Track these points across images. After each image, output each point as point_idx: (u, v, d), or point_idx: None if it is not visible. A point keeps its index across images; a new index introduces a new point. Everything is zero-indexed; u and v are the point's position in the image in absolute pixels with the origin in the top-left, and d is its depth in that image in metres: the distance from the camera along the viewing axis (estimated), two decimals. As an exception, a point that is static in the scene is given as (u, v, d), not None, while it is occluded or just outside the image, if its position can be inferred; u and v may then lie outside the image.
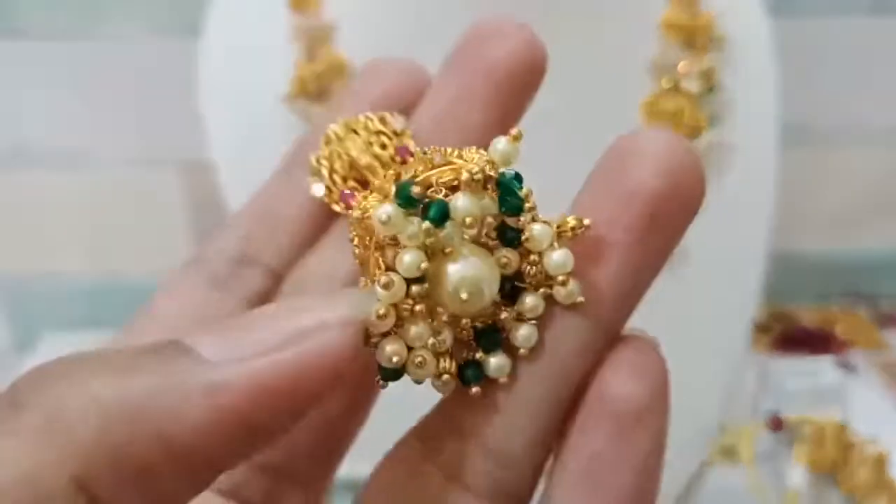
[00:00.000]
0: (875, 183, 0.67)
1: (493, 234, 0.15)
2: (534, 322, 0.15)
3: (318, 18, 0.37)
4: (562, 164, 0.36)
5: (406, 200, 0.14)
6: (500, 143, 0.15)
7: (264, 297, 0.19)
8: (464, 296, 0.14)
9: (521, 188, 0.15)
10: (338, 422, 0.19)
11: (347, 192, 0.18)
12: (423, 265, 0.14)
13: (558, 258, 0.15)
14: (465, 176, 0.14)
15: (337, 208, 0.18)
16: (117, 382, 0.12)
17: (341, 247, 0.18)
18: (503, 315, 0.15)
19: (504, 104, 0.17)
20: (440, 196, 0.15)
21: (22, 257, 0.69)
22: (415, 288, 0.14)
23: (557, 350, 0.15)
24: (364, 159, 0.18)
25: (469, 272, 0.14)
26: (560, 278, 0.15)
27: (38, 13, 0.61)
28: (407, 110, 0.19)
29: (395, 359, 0.14)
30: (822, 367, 0.53)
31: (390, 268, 0.14)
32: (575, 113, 0.36)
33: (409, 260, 0.14)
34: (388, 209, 0.14)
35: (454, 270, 0.14)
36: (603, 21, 0.37)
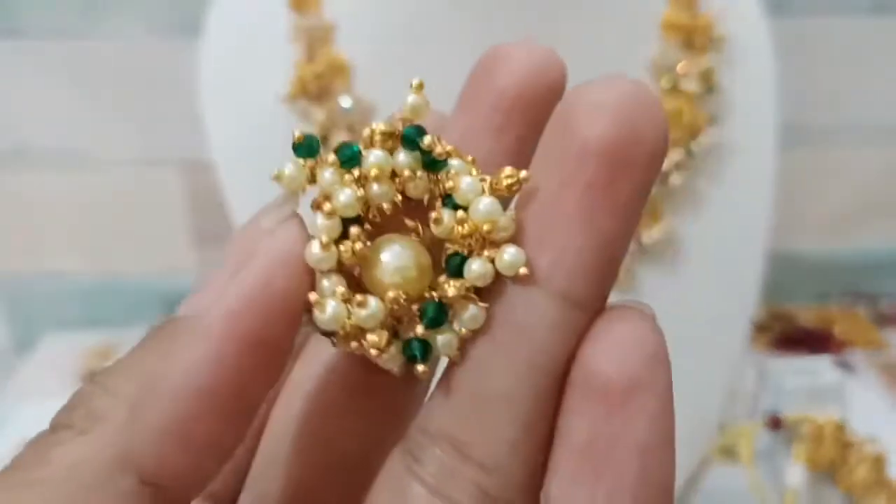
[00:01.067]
0: (874, 183, 0.67)
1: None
2: (481, 304, 0.13)
3: (318, 18, 0.37)
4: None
5: (345, 158, 0.14)
6: (409, 98, 0.14)
7: None
8: (397, 279, 0.14)
9: (423, 139, 0.14)
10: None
11: None
12: (360, 194, 0.14)
13: (485, 207, 0.13)
14: (366, 132, 0.14)
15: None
16: (127, 375, 0.14)
17: None
18: (450, 292, 0.13)
19: (517, 130, 0.15)
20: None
21: (22, 257, 0.69)
22: (353, 229, 0.14)
23: (521, 332, 0.13)
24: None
25: (401, 261, 0.14)
26: (500, 234, 0.13)
27: (37, 13, 0.61)
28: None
29: (331, 307, 0.13)
30: (820, 367, 0.53)
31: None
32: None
33: (345, 197, 0.14)
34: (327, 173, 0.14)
35: (387, 260, 0.14)
36: (602, 21, 0.37)
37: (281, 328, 0.13)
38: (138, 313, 0.65)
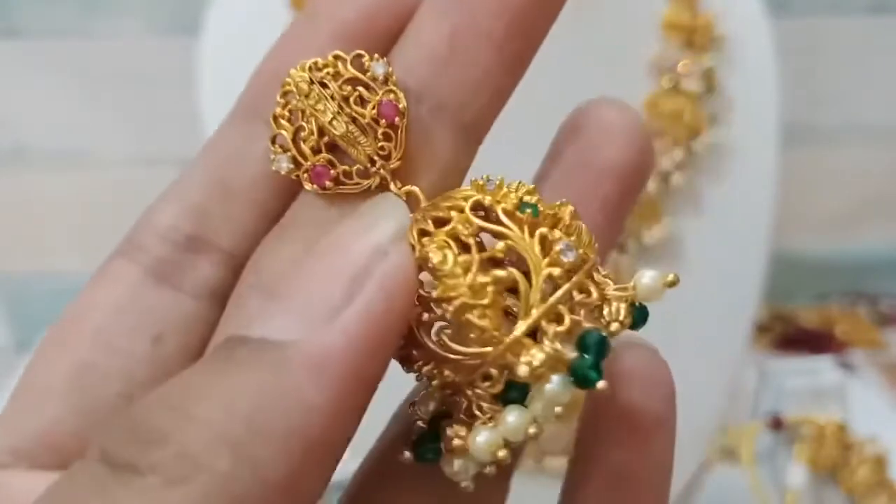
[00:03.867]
0: (875, 183, 0.67)
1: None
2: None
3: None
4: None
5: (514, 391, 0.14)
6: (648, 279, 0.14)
7: (221, 290, 0.15)
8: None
9: (598, 378, 0.13)
10: None
11: (319, 167, 0.15)
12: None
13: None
14: (522, 370, 0.13)
15: (308, 187, 0.15)
16: (220, 405, 0.11)
17: (312, 234, 0.15)
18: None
19: (516, 40, 0.15)
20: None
21: (22, 257, 0.69)
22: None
23: None
24: (339, 128, 0.15)
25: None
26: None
27: (36, 12, 0.61)
28: (383, 43, 0.15)
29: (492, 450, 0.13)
30: (821, 367, 0.53)
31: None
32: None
33: (516, 422, 0.13)
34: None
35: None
36: (603, 21, 0.37)
37: (387, 359, 0.13)
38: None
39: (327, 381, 0.11)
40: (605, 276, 0.14)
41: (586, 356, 0.13)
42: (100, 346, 0.15)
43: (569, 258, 0.14)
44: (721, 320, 0.38)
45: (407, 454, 0.14)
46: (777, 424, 0.48)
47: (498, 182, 0.15)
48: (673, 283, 0.14)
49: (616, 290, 0.14)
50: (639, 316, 0.14)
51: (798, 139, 0.58)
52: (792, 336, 0.62)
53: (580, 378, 0.13)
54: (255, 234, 0.16)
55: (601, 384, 0.13)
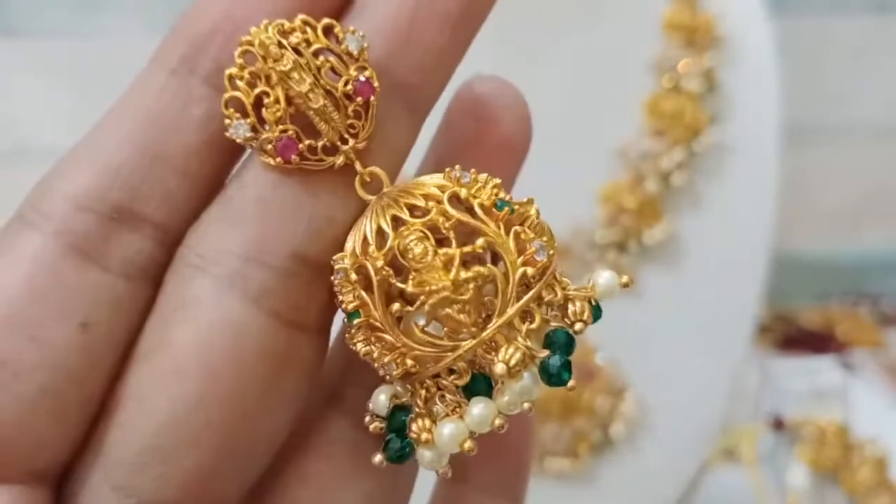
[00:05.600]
0: (876, 183, 0.67)
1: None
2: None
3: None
4: (563, 162, 0.36)
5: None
6: (604, 279, 0.15)
7: (152, 269, 0.14)
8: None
9: (569, 378, 0.14)
10: None
11: (287, 139, 0.14)
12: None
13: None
14: (499, 368, 0.14)
15: (268, 160, 0.14)
16: None
17: (262, 214, 0.14)
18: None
19: (470, 21, 0.15)
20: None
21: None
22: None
23: None
24: (316, 101, 0.14)
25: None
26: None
27: (34, 12, 0.61)
28: (329, 4, 0.15)
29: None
30: (823, 367, 0.53)
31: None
32: (576, 112, 0.36)
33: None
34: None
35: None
36: (604, 20, 0.37)
37: None
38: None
39: None
40: (560, 275, 0.15)
41: (556, 355, 0.14)
42: (16, 335, 0.13)
43: (541, 258, 0.14)
44: (722, 321, 0.38)
45: (379, 457, 0.14)
46: (778, 425, 0.48)
47: (472, 176, 0.15)
48: (627, 284, 0.15)
49: (576, 289, 0.15)
50: (596, 314, 0.15)
51: (799, 139, 0.58)
52: (793, 336, 0.62)
53: (553, 377, 0.14)
54: (187, 204, 0.14)
55: (571, 383, 0.14)
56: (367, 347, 0.14)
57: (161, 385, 0.13)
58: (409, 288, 0.14)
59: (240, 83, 0.14)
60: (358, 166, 0.14)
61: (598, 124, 0.37)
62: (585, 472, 0.36)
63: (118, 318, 0.14)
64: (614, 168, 0.37)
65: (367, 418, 0.15)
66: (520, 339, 0.14)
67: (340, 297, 0.14)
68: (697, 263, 0.37)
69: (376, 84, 0.14)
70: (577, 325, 0.14)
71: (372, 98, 0.14)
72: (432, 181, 0.15)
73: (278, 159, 0.14)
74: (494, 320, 0.14)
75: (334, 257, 0.14)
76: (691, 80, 0.37)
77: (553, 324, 0.14)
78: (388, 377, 0.14)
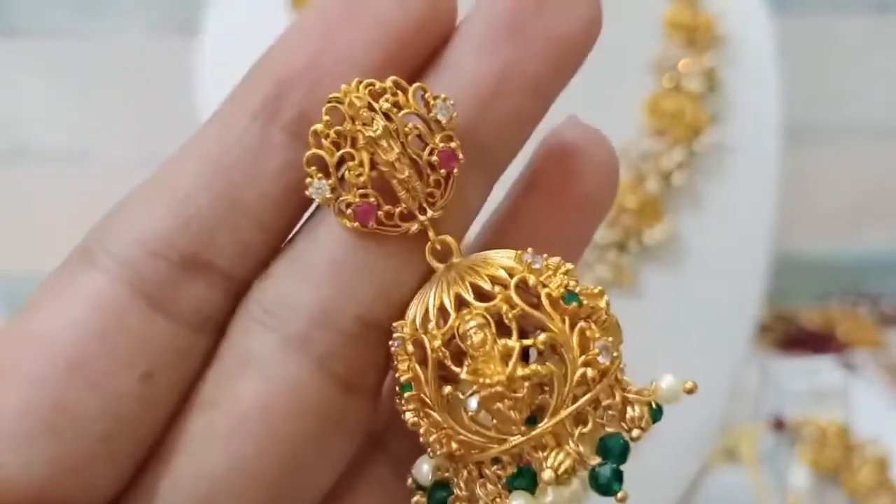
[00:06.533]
0: (877, 183, 0.67)
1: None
2: None
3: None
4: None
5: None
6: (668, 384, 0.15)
7: (216, 318, 0.14)
8: None
9: (619, 489, 0.14)
10: None
11: (366, 205, 0.14)
12: None
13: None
14: (547, 475, 0.13)
15: (346, 222, 0.14)
16: None
17: (333, 275, 0.13)
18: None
19: (555, 82, 0.15)
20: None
21: (22, 257, 0.69)
22: None
23: None
24: (402, 171, 0.13)
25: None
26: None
27: (34, 12, 0.61)
28: (419, 58, 0.14)
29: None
30: (823, 368, 0.52)
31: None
32: (576, 111, 0.36)
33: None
34: None
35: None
36: (604, 20, 0.37)
37: None
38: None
39: None
40: (622, 374, 0.14)
41: (607, 463, 0.13)
42: (77, 382, 0.13)
43: (604, 360, 0.14)
44: (722, 321, 0.38)
45: None
46: (779, 425, 0.48)
47: (544, 262, 0.14)
48: (692, 391, 0.15)
49: (637, 392, 0.14)
50: (656, 416, 0.14)
51: (799, 138, 0.58)
52: (793, 336, 0.62)
53: (602, 487, 0.13)
54: (257, 254, 0.14)
55: (621, 495, 0.13)
56: (415, 419, 0.14)
57: (220, 439, 0.13)
58: (464, 375, 0.13)
59: (324, 142, 0.13)
60: (431, 234, 0.14)
61: (599, 124, 0.36)
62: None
63: (181, 368, 0.13)
64: (614, 168, 0.37)
65: (410, 482, 0.15)
66: (571, 443, 0.13)
67: (396, 363, 0.14)
68: (698, 263, 0.37)
69: (461, 155, 0.14)
70: (635, 432, 0.14)
71: (455, 170, 0.14)
72: (502, 261, 0.14)
73: (356, 224, 0.14)
74: (546, 420, 0.13)
75: (395, 324, 0.14)
76: (692, 79, 0.37)
77: (608, 428, 0.14)
78: (430, 454, 0.14)
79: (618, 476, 0.13)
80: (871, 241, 0.69)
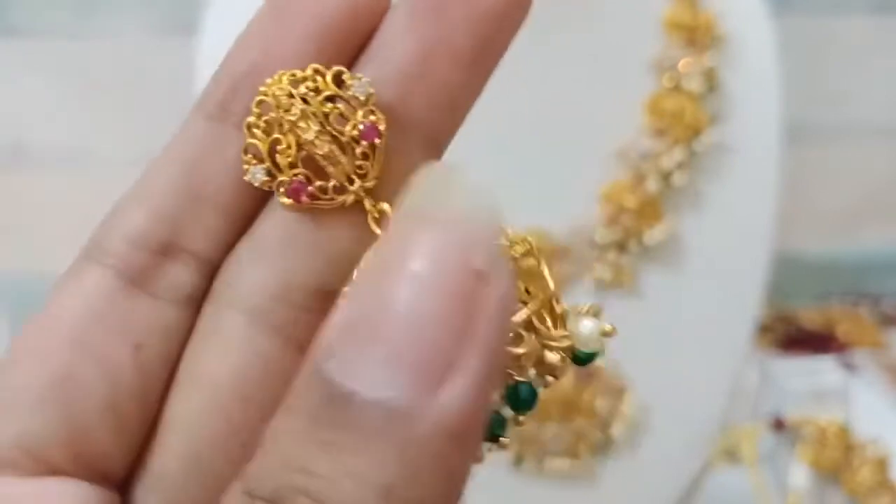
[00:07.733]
0: (877, 183, 0.67)
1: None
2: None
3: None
4: (563, 162, 0.36)
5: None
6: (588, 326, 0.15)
7: (196, 295, 0.15)
8: None
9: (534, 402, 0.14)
10: None
11: (297, 183, 0.15)
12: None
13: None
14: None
15: (284, 200, 0.15)
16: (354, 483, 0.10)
17: (286, 252, 0.15)
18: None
19: (484, 59, 0.15)
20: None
21: (22, 257, 0.69)
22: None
23: None
24: (322, 147, 0.15)
25: None
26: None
27: (33, 12, 0.61)
28: (352, 49, 0.15)
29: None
30: (823, 368, 0.53)
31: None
32: (576, 111, 0.36)
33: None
34: None
35: None
36: (604, 19, 0.37)
37: None
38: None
39: (469, 446, 0.10)
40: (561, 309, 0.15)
41: (501, 412, 0.14)
42: (80, 354, 0.15)
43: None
44: (723, 320, 0.38)
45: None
46: (779, 425, 0.48)
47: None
48: (609, 333, 0.15)
49: (552, 339, 0.15)
50: (584, 359, 0.15)
51: (800, 138, 0.58)
52: (794, 336, 0.62)
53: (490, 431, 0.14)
54: (226, 238, 0.16)
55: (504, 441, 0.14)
56: None
57: (195, 415, 0.15)
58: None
59: (257, 131, 0.15)
60: (367, 203, 0.15)
61: (599, 124, 0.37)
62: (585, 473, 0.36)
63: (168, 341, 0.15)
64: (614, 168, 0.37)
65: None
66: None
67: None
68: (698, 263, 0.37)
69: (382, 127, 0.15)
70: (548, 378, 0.15)
71: (377, 141, 0.15)
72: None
73: (290, 200, 0.15)
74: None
75: (344, 288, 0.14)
76: (692, 79, 0.37)
77: (518, 378, 0.14)
78: None
79: (502, 424, 0.14)
80: (871, 241, 0.69)
